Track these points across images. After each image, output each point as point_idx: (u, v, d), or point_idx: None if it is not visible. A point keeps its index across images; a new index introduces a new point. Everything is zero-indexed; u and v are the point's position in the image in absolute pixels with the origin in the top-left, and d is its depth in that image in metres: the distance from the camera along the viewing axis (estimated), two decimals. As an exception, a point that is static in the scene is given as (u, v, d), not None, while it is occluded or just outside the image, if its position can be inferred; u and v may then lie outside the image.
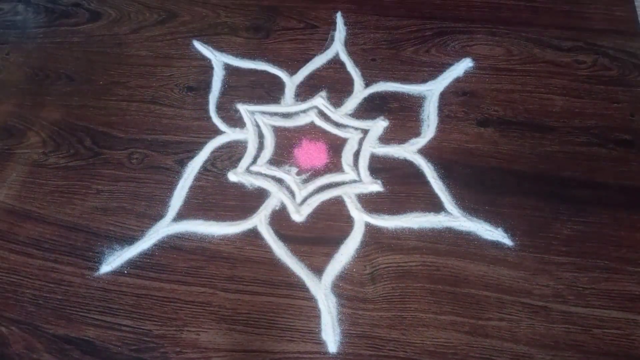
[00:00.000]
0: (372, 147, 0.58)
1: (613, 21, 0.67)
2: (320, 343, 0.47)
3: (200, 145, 0.60)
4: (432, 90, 0.62)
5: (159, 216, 0.55)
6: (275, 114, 0.62)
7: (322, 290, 0.49)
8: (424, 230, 0.52)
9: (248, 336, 0.48)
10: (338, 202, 0.55)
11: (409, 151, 0.58)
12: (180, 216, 0.55)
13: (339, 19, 0.70)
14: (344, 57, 0.66)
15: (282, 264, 0.51)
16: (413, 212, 0.53)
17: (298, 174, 0.57)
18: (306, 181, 0.56)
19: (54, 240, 0.54)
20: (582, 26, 0.67)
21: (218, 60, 0.67)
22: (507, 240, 0.51)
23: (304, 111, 0.62)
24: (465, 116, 0.60)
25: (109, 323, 0.49)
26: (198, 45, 0.69)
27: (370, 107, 0.62)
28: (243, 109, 0.62)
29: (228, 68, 0.66)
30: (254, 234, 0.53)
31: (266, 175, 0.57)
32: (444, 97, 0.61)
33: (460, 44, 0.66)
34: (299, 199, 0.55)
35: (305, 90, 0.63)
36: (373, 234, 0.52)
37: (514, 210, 0.53)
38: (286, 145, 0.60)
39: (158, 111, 0.63)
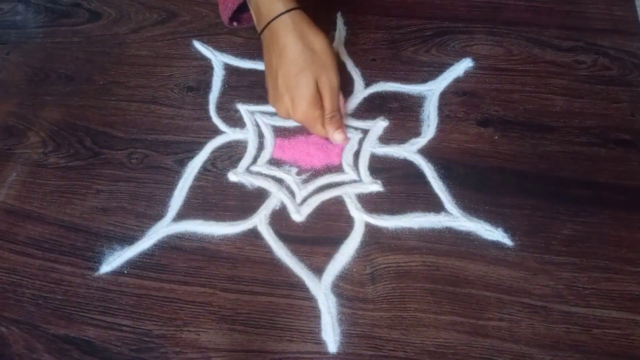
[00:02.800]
0: (372, 147, 0.58)
1: (613, 21, 0.67)
2: (320, 343, 0.47)
3: (200, 145, 0.60)
4: (432, 90, 0.62)
5: (159, 216, 0.55)
6: (276, 114, 0.62)
7: (322, 290, 0.49)
8: (424, 230, 0.52)
9: (248, 336, 0.48)
10: (338, 202, 0.55)
11: (409, 151, 0.58)
12: (180, 216, 0.55)
13: (339, 19, 0.70)
14: (344, 57, 0.66)
15: (282, 264, 0.51)
16: (413, 212, 0.53)
17: (298, 174, 0.57)
18: (306, 181, 0.57)
19: (54, 240, 0.54)
20: (582, 26, 0.67)
21: (218, 60, 0.67)
22: (507, 240, 0.51)
23: (304, 111, 0.62)
24: (465, 116, 0.60)
25: (109, 323, 0.49)
26: (198, 45, 0.69)
27: (370, 107, 0.62)
28: (243, 109, 0.62)
29: (228, 68, 0.66)
30: (254, 234, 0.53)
31: (266, 175, 0.57)
32: (444, 97, 0.61)
33: (460, 44, 0.66)
34: (299, 199, 0.55)
35: (305, 90, 0.63)
36: (373, 234, 0.52)
37: (514, 210, 0.53)
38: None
39: (158, 111, 0.63)
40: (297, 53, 0.52)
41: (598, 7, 0.68)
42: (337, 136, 0.56)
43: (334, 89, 0.54)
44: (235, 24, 0.62)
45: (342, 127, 0.57)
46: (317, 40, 0.52)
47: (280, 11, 0.52)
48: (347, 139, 0.57)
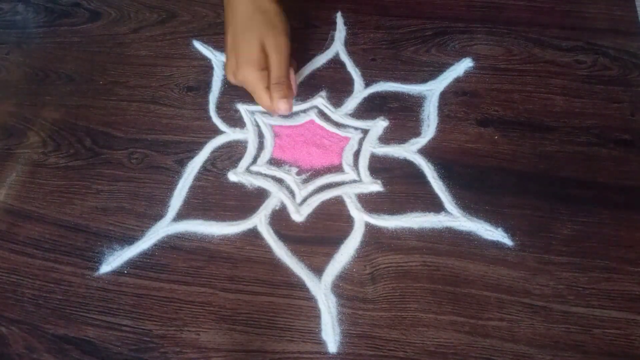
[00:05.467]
0: (372, 147, 0.58)
1: (613, 21, 0.67)
2: (320, 343, 0.47)
3: (200, 145, 0.60)
4: (432, 90, 0.62)
5: (159, 216, 0.55)
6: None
7: (322, 290, 0.49)
8: (424, 230, 0.52)
9: (248, 336, 0.48)
10: (338, 202, 0.55)
11: (409, 151, 0.58)
12: (180, 216, 0.55)
13: (339, 18, 0.70)
14: (344, 57, 0.66)
15: (282, 264, 0.51)
16: (413, 212, 0.53)
17: (298, 174, 0.57)
18: (306, 181, 0.56)
19: (54, 240, 0.54)
20: (582, 26, 0.67)
21: (218, 60, 0.67)
22: (507, 240, 0.51)
23: (304, 111, 0.62)
24: (465, 116, 0.60)
25: (109, 323, 0.49)
26: (198, 45, 0.69)
27: (370, 107, 0.62)
28: (243, 108, 0.62)
29: (228, 68, 0.66)
30: (254, 234, 0.53)
31: (266, 175, 0.57)
32: (444, 97, 0.61)
33: (460, 44, 0.66)
34: (299, 199, 0.55)
35: (305, 90, 0.63)
36: (373, 234, 0.52)
37: (514, 210, 0.53)
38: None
39: (158, 111, 0.63)
40: (245, 12, 0.51)
41: (598, 7, 0.68)
42: (281, 105, 0.52)
43: (281, 52, 0.51)
44: None
45: (290, 96, 0.53)
46: (269, 4, 0.51)
47: None
48: (291, 109, 0.54)
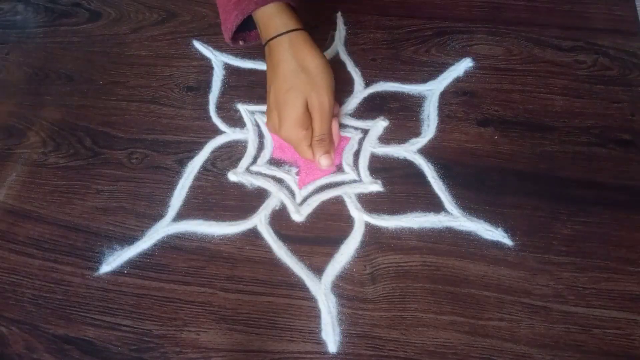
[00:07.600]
0: (372, 147, 0.58)
1: (613, 21, 0.67)
2: (320, 343, 0.47)
3: (200, 145, 0.60)
4: (432, 90, 0.62)
5: (159, 216, 0.55)
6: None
7: (322, 290, 0.49)
8: (424, 230, 0.52)
9: (248, 336, 0.48)
10: (338, 202, 0.55)
11: (409, 151, 0.58)
12: (180, 216, 0.55)
13: (339, 18, 0.70)
14: (344, 57, 0.66)
15: (282, 264, 0.51)
16: (413, 212, 0.53)
17: (298, 174, 0.57)
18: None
19: (54, 240, 0.54)
20: (582, 26, 0.67)
21: (218, 60, 0.67)
22: (507, 240, 0.51)
23: (304, 111, 0.62)
24: (465, 116, 0.60)
25: (109, 323, 0.49)
26: (198, 45, 0.69)
27: (370, 107, 0.62)
28: (243, 108, 0.62)
29: (228, 68, 0.66)
30: (254, 234, 0.53)
31: (266, 175, 0.57)
32: (444, 97, 0.61)
33: (460, 44, 0.66)
34: (299, 199, 0.55)
35: (305, 90, 0.63)
36: (373, 234, 0.52)
37: (514, 210, 0.53)
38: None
39: (158, 111, 0.63)
40: (288, 70, 0.51)
41: (598, 7, 0.68)
42: (323, 161, 0.54)
43: (324, 111, 0.52)
44: (241, 42, 0.59)
45: (331, 151, 0.55)
46: (313, 61, 0.52)
47: (279, 31, 0.52)
48: (333, 165, 0.56)
